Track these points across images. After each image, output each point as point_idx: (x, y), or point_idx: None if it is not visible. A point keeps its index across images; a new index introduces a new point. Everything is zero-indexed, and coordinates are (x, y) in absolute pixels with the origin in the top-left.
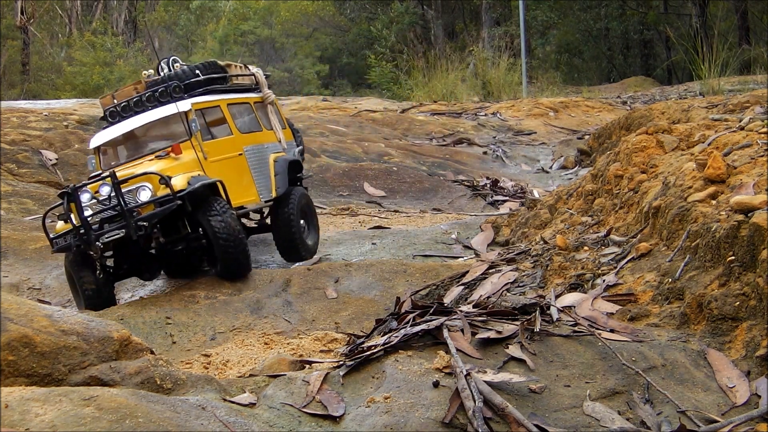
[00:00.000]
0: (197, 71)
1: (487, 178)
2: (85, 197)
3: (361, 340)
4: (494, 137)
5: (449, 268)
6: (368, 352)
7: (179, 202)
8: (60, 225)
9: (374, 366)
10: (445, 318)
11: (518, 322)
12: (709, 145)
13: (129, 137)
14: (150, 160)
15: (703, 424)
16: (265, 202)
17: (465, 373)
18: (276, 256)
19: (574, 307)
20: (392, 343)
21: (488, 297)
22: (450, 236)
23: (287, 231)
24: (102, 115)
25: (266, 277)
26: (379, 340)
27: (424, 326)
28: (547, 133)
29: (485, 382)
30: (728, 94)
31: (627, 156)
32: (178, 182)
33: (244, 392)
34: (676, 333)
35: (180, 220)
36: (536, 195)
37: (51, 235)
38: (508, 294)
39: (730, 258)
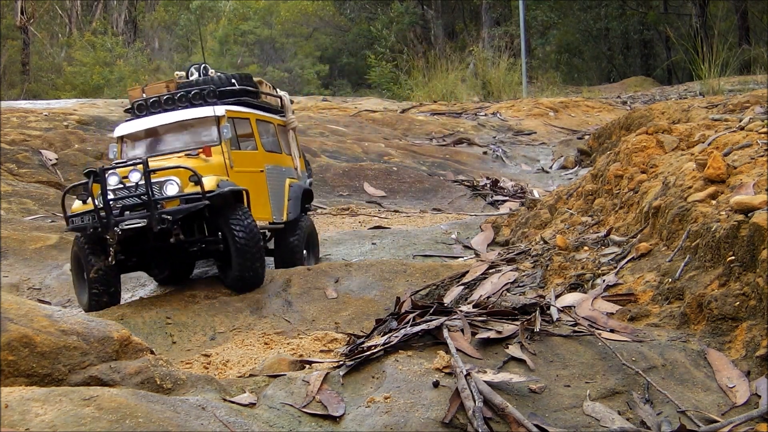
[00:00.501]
0: (233, 80)
1: (487, 178)
2: (112, 180)
3: (361, 340)
4: (494, 137)
5: (449, 268)
6: (368, 352)
7: (207, 202)
8: (77, 205)
9: (374, 366)
10: (445, 318)
11: (518, 322)
12: (709, 145)
13: (155, 132)
14: (179, 158)
15: (703, 424)
16: (274, 223)
17: (465, 373)
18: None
19: (574, 307)
20: (392, 343)
21: (488, 297)
22: (450, 236)
23: (290, 258)
24: (129, 106)
25: (266, 277)
26: (379, 340)
27: (424, 326)
28: (547, 133)
29: (485, 382)
30: (728, 94)
31: (627, 156)
32: (208, 183)
33: (244, 392)
34: (676, 333)
35: (198, 222)
36: (536, 195)
37: (68, 213)
38: (508, 294)
39: (730, 258)
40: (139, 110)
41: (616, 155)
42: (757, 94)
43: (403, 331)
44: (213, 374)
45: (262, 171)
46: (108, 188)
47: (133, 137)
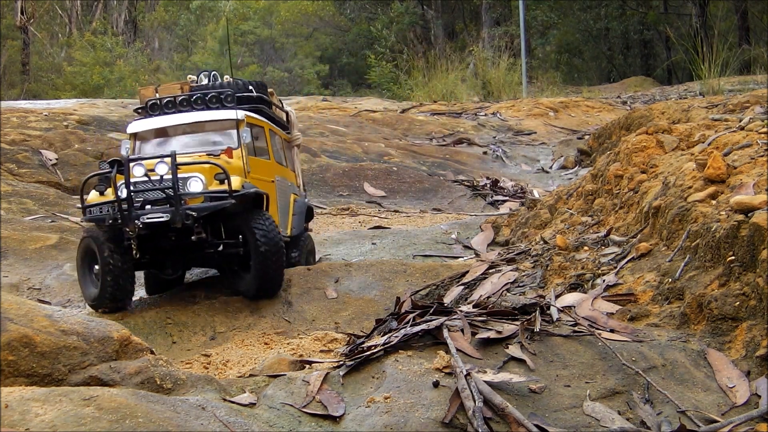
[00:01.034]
0: (250, 87)
1: (487, 178)
2: (138, 171)
3: (361, 340)
4: (494, 137)
5: (449, 268)
6: (368, 352)
7: (234, 201)
8: (94, 196)
9: (374, 366)
10: (445, 318)
11: (518, 322)
12: (709, 145)
13: (171, 131)
14: (200, 157)
15: (703, 424)
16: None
17: (465, 373)
18: None
19: (574, 307)
20: (392, 343)
21: (488, 297)
22: (450, 236)
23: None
24: (139, 104)
25: None
26: (379, 340)
27: (424, 326)
28: (547, 133)
29: (485, 382)
30: (728, 94)
31: (627, 156)
32: (234, 183)
33: (244, 392)
34: (676, 333)
35: (216, 223)
36: (536, 195)
37: (87, 203)
38: (508, 294)
39: (730, 258)
40: (152, 109)
41: (616, 155)
42: (757, 94)
43: (403, 331)
44: (213, 374)
45: (273, 181)
46: (133, 180)
47: (147, 135)
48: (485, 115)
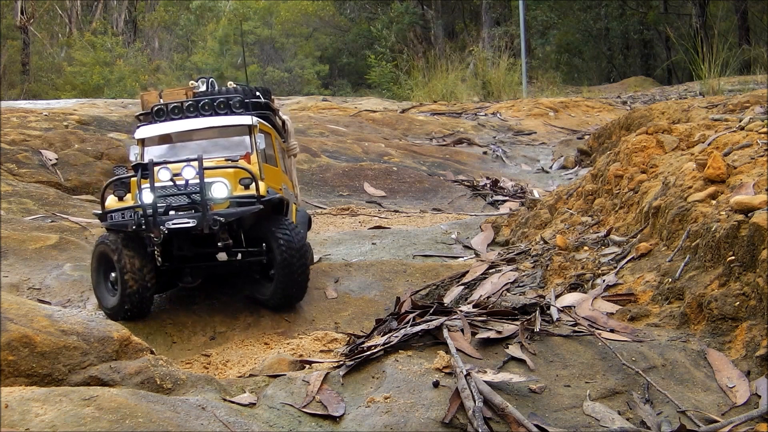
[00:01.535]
0: (257, 93)
1: (487, 178)
2: (164, 175)
3: (361, 340)
4: (494, 137)
5: (449, 268)
6: (368, 352)
7: (262, 206)
8: (112, 201)
9: (374, 366)
10: (445, 318)
11: (518, 322)
12: (709, 145)
13: (181, 137)
14: (219, 162)
15: (703, 424)
16: None
17: (465, 373)
18: None
19: (574, 307)
20: (392, 343)
21: (488, 297)
22: (450, 236)
23: None
24: (142, 110)
25: None
26: (379, 340)
27: (424, 326)
28: (547, 133)
29: (485, 382)
30: (728, 94)
31: (627, 156)
32: (261, 188)
33: (244, 392)
34: (676, 333)
35: (239, 229)
36: (536, 195)
37: (106, 209)
38: (508, 294)
39: (730, 258)
40: (158, 115)
41: (616, 155)
42: (757, 94)
43: (403, 331)
44: (213, 374)
45: (281, 189)
46: (159, 184)
47: (156, 140)
48: (485, 115)
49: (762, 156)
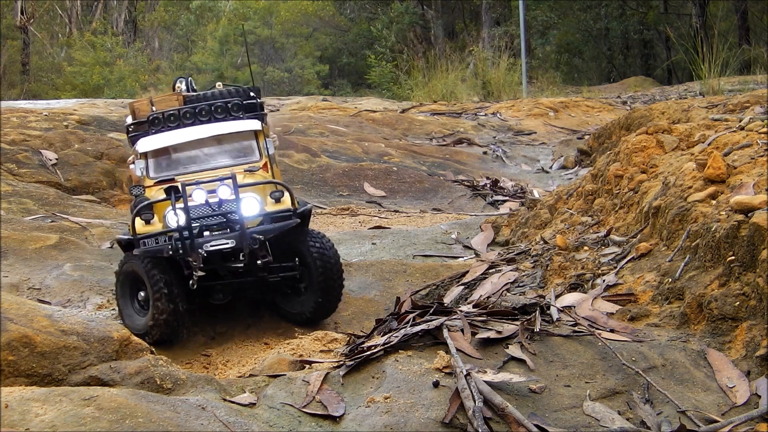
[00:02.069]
0: (252, 93)
1: (487, 178)
2: (199, 196)
3: (361, 340)
4: (494, 137)
5: (449, 268)
6: (368, 352)
7: (299, 220)
8: (139, 225)
9: (374, 366)
10: (445, 318)
11: (518, 322)
12: (709, 145)
13: (185, 147)
14: (238, 174)
15: (703, 424)
16: None
17: (465, 373)
18: None
19: (574, 307)
20: (392, 343)
21: (488, 297)
22: (450, 236)
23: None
24: (136, 120)
25: None
26: (379, 340)
27: (424, 326)
28: (547, 133)
29: (485, 382)
30: (728, 94)
31: (627, 156)
32: (289, 201)
33: (244, 392)
34: (676, 333)
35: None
36: (536, 195)
37: (138, 235)
38: (508, 294)
39: (730, 258)
40: (154, 124)
41: (616, 155)
42: (757, 94)
43: (403, 331)
44: (213, 374)
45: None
46: (193, 205)
47: (161, 152)
48: (485, 115)
49: (762, 156)
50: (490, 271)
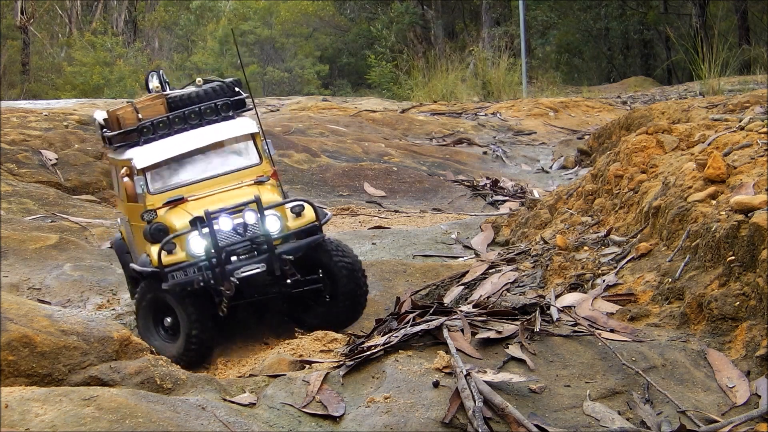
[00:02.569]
0: (236, 88)
1: (487, 178)
2: (226, 225)
3: (361, 340)
4: (494, 137)
5: (449, 268)
6: (368, 352)
7: (325, 235)
8: (163, 256)
9: (374, 366)
10: (445, 318)
11: (518, 322)
12: (709, 145)
13: (183, 157)
14: (249, 186)
15: (703, 424)
16: None
17: (465, 373)
18: None
19: (574, 307)
20: (392, 343)
21: (488, 297)
22: (450, 236)
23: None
24: (122, 128)
25: None
26: (379, 340)
27: (424, 326)
28: (547, 133)
29: (485, 382)
30: (728, 94)
31: (627, 156)
32: (311, 214)
33: (244, 392)
34: (676, 333)
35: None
36: (536, 195)
37: (165, 268)
38: (508, 294)
39: (730, 258)
40: (143, 133)
41: (616, 155)
42: (757, 94)
43: (403, 331)
44: (213, 374)
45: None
46: (223, 233)
47: (159, 165)
48: (485, 115)
49: (762, 156)
50: (490, 271)
